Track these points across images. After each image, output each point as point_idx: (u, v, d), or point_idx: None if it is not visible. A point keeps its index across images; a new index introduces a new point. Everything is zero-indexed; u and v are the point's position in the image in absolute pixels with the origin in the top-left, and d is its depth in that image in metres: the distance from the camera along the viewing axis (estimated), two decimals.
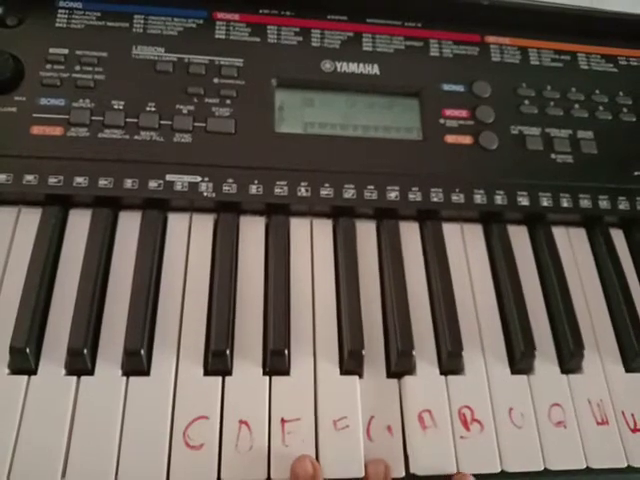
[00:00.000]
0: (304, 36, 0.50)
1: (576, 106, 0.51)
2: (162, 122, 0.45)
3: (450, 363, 0.41)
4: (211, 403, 0.37)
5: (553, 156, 0.49)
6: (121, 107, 0.45)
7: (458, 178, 0.47)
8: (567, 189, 0.48)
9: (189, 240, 0.43)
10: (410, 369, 0.40)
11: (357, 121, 0.48)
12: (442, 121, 0.49)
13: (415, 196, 0.46)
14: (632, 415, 0.41)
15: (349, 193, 0.45)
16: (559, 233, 0.48)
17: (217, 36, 0.49)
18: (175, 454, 0.36)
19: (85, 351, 0.37)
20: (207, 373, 0.38)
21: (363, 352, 0.39)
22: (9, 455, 0.34)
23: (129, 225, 0.43)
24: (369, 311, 0.42)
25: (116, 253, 0.42)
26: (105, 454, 0.35)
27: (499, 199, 0.46)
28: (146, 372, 0.38)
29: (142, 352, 0.37)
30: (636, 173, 0.50)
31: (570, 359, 0.42)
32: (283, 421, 0.37)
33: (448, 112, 0.49)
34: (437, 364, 0.41)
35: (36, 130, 0.43)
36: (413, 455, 0.38)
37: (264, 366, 0.39)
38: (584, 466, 0.39)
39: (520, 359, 0.41)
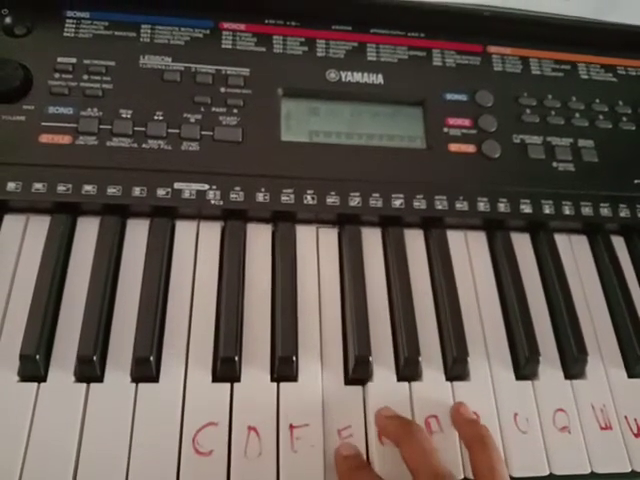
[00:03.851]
0: (309, 46, 0.50)
1: (577, 115, 0.52)
2: (170, 131, 0.45)
3: (456, 369, 0.41)
4: (220, 409, 0.37)
5: (555, 164, 0.50)
6: (129, 116, 0.45)
7: (462, 186, 0.47)
8: (569, 197, 0.48)
9: (197, 248, 0.43)
10: (417, 375, 0.41)
11: (362, 130, 0.49)
12: (445, 130, 0.49)
13: (420, 204, 0.46)
14: (635, 420, 0.42)
15: (354, 201, 0.45)
16: (561, 240, 0.49)
17: (224, 46, 0.49)
18: (184, 460, 0.36)
19: (95, 358, 0.37)
20: (216, 380, 0.39)
21: (370, 358, 0.40)
22: (20, 462, 0.34)
23: (137, 233, 0.43)
24: (376, 317, 0.42)
25: (124, 261, 0.42)
26: (115, 460, 0.35)
27: (502, 207, 0.47)
28: (155, 379, 0.38)
29: (151, 359, 0.37)
30: (636, 181, 0.50)
31: (573, 365, 0.43)
32: (292, 427, 0.38)
33: (451, 121, 0.50)
34: (443, 370, 0.41)
35: (45, 138, 0.44)
36: None
37: (272, 372, 0.39)
38: (588, 471, 0.39)
39: (524, 365, 0.42)
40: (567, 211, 0.48)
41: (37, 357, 0.37)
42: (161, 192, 0.43)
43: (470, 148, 0.49)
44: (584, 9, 0.53)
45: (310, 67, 0.50)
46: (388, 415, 0.38)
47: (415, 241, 0.47)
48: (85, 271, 0.41)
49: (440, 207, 0.46)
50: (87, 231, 0.43)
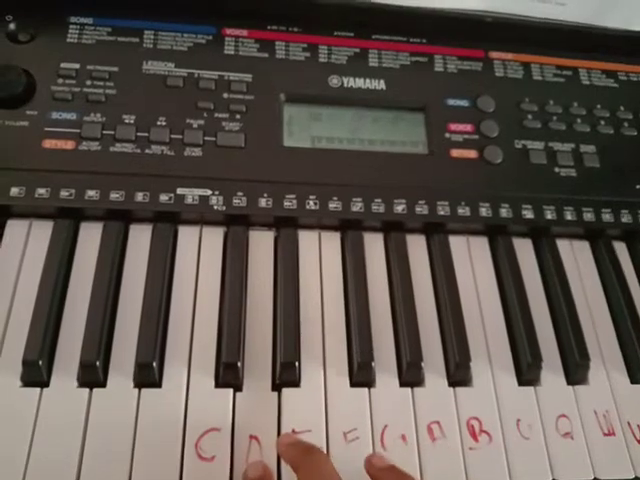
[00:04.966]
0: (311, 52, 0.51)
1: (578, 120, 0.52)
2: (173, 136, 0.45)
3: (458, 374, 0.41)
4: (222, 415, 0.37)
5: (556, 170, 0.50)
6: (132, 121, 0.45)
7: (464, 191, 0.47)
8: (570, 202, 0.48)
9: (199, 253, 0.43)
10: (419, 380, 0.41)
11: (364, 135, 0.49)
12: (447, 135, 0.50)
13: (422, 209, 0.46)
14: (638, 426, 0.41)
15: (357, 206, 0.45)
16: (563, 246, 0.49)
17: (226, 52, 0.49)
18: (187, 466, 0.36)
19: (97, 363, 0.37)
20: (218, 385, 0.39)
21: (372, 364, 0.40)
22: (22, 467, 0.34)
23: (140, 238, 0.43)
24: (378, 322, 0.42)
25: (127, 266, 0.42)
26: (118, 466, 0.35)
27: (504, 212, 0.47)
28: (158, 384, 0.38)
29: (154, 364, 0.37)
30: (638, 186, 0.50)
31: (576, 370, 0.43)
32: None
33: (453, 126, 0.50)
34: (445, 375, 0.41)
35: (48, 144, 0.44)
36: (423, 466, 0.38)
37: (274, 378, 0.39)
38: (591, 477, 0.39)
39: (527, 370, 0.42)
40: (569, 216, 0.48)
41: (40, 362, 0.37)
42: (164, 197, 0.43)
43: (472, 154, 0.49)
44: (582, 14, 0.54)
45: (312, 73, 0.50)
46: (289, 442, 0.36)
47: (417, 246, 0.47)
48: (88, 276, 0.41)
49: (442, 212, 0.46)
50: (90, 236, 0.43)
